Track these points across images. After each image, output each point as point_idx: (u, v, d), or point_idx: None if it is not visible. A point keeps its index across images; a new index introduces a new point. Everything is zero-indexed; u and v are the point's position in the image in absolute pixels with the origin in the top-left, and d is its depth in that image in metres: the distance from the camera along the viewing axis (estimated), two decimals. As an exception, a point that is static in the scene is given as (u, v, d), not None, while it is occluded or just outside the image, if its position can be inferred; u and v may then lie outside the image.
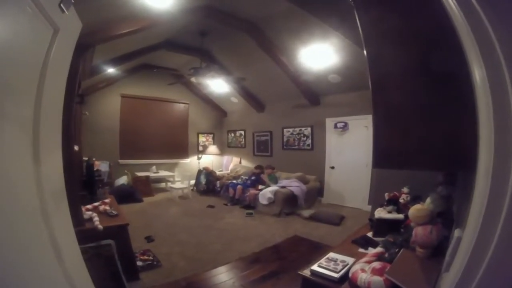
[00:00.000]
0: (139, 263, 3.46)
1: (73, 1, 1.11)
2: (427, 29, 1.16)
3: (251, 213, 6.27)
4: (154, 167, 8.73)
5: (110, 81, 7.91)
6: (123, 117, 8.45)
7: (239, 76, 6.88)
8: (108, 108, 8.20)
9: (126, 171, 7.98)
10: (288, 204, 6.27)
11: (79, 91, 2.50)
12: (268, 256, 4.11)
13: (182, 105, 9.92)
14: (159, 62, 8.09)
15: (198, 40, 6.48)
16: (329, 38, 5.11)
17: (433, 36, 1.13)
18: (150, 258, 3.70)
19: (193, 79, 6.49)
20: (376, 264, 1.66)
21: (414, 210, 1.77)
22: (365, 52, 1.38)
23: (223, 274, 3.51)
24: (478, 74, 0.86)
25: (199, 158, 9.83)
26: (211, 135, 10.75)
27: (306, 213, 6.04)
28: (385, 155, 1.32)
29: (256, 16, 5.42)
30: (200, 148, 10.30)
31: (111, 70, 6.89)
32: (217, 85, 7.38)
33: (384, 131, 1.29)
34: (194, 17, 5.29)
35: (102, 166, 6.98)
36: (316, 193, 7.18)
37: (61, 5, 1.06)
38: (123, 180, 7.56)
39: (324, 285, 1.64)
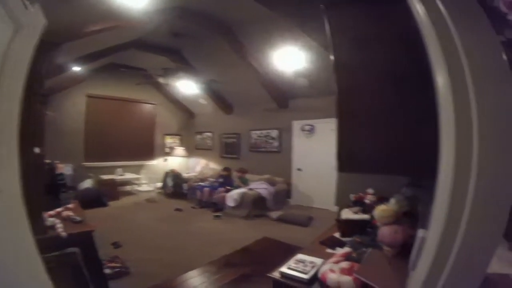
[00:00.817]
0: (107, 271, 3.28)
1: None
2: (395, 35, 1.20)
3: (219, 216, 6.23)
4: (120, 169, 8.44)
5: (77, 81, 7.57)
6: (88, 118, 8.10)
7: (210, 78, 6.84)
8: (73, 109, 7.83)
9: (90, 174, 7.65)
10: (257, 206, 6.29)
11: (42, 91, 2.36)
12: (239, 258, 4.10)
13: (149, 106, 9.70)
14: (128, 61, 7.87)
15: (170, 41, 6.40)
16: (299, 42, 5.18)
17: (400, 42, 1.18)
18: (118, 265, 3.56)
19: (161, 80, 6.36)
20: (345, 264, 1.70)
21: (379, 210, 1.83)
22: (332, 57, 1.41)
23: (194, 279, 3.46)
24: (441, 81, 0.89)
25: (165, 160, 9.64)
26: (178, 137, 10.58)
27: (275, 214, 6.09)
28: (348, 160, 1.35)
29: (230, 19, 5.42)
30: (167, 150, 10.10)
31: (78, 69, 6.60)
32: (186, 86, 7.29)
33: (348, 136, 1.33)
34: (168, 18, 5.20)
35: (65, 169, 6.63)
36: (284, 195, 7.25)
37: (24, 1, 1.01)
38: (87, 183, 7.24)
39: (294, 287, 1.65)
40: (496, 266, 3.70)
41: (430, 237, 0.99)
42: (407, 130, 1.14)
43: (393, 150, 1.20)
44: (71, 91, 7.72)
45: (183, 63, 7.32)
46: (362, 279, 1.55)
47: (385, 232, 1.79)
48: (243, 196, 6.30)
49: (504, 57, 0.87)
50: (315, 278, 1.67)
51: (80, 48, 5.53)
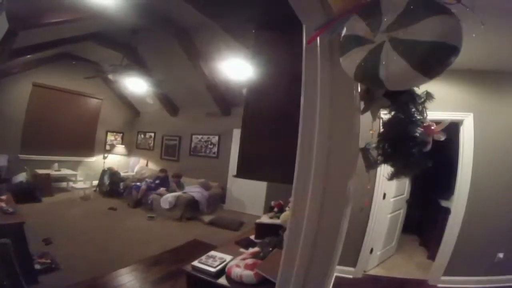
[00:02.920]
0: (37, 266, 3.25)
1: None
2: (292, 75, 1.48)
3: (153, 217, 6.25)
4: (56, 164, 7.94)
5: (25, 68, 7.07)
6: (30, 108, 7.53)
7: (159, 79, 6.83)
8: (17, 96, 7.26)
9: (25, 167, 7.15)
10: (190, 209, 6.41)
11: None
12: (167, 258, 4.22)
13: (95, 101, 9.25)
14: (83, 53, 7.59)
15: (128, 37, 6.32)
16: (243, 54, 5.40)
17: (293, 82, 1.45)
18: (48, 261, 3.49)
19: (111, 76, 6.25)
20: (249, 261, 1.96)
21: (284, 216, 2.13)
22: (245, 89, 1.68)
23: (123, 276, 3.53)
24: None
25: (105, 158, 9.31)
26: (121, 134, 10.26)
27: (207, 218, 6.26)
28: (245, 169, 1.61)
29: (189, 23, 5.51)
30: (108, 147, 9.70)
31: (28, 56, 6.23)
32: (135, 84, 7.20)
33: (246, 150, 1.59)
34: (128, 14, 5.11)
35: (0, 160, 6.21)
36: (218, 199, 7.44)
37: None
38: (21, 177, 6.79)
39: (203, 279, 1.87)
40: (416, 273, 4.29)
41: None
42: (286, 147, 1.40)
43: (276, 162, 1.48)
44: (17, 78, 7.15)
45: (136, 61, 7.24)
46: (261, 273, 1.82)
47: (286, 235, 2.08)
48: (177, 199, 6.38)
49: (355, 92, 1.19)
50: (222, 271, 1.90)
51: (36, 36, 5.31)
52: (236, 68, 5.87)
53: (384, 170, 1.51)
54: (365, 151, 1.44)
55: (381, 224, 4.16)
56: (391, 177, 1.36)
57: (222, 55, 5.91)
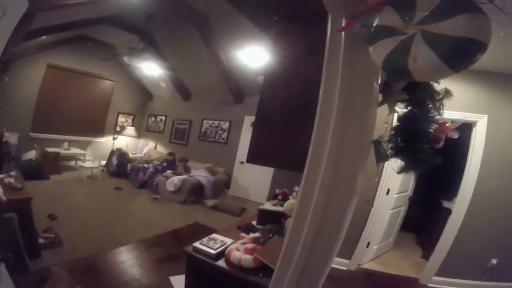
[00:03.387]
0: (40, 241, 3.31)
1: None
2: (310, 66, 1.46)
3: (157, 198, 6.31)
4: (66, 143, 8.05)
5: (40, 49, 7.10)
6: (43, 88, 7.58)
7: (174, 63, 6.79)
8: (31, 77, 7.30)
9: (35, 145, 7.26)
10: (195, 193, 6.45)
11: (3, 58, 2.31)
12: (168, 240, 4.27)
13: (109, 83, 9.26)
14: (98, 35, 7.58)
15: (144, 22, 6.28)
16: (263, 42, 5.34)
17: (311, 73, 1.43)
18: (52, 236, 3.56)
19: (125, 59, 6.26)
20: (249, 245, 1.96)
21: (287, 203, 2.11)
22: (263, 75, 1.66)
23: (123, 254, 3.59)
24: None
25: (114, 139, 9.39)
26: (132, 117, 10.30)
27: (210, 202, 6.30)
28: (256, 154, 1.60)
29: (209, 10, 5.46)
30: (118, 129, 9.77)
31: (43, 38, 6.23)
32: (150, 68, 7.20)
33: (259, 136, 1.58)
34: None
35: (11, 138, 6.28)
36: (223, 185, 7.48)
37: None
38: (31, 155, 6.87)
39: (203, 260, 1.88)
40: (409, 271, 4.28)
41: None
42: (301, 138, 1.39)
43: (290, 152, 1.47)
44: (33, 59, 7.19)
45: (152, 45, 7.21)
46: (260, 258, 1.82)
47: (290, 222, 2.07)
48: (183, 182, 6.42)
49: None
50: (222, 254, 1.91)
51: (51, 18, 5.28)
52: (253, 56, 5.78)
53: (392, 165, 1.49)
54: (377, 143, 1.41)
55: (382, 219, 4.18)
56: (400, 171, 1.34)
57: (240, 43, 5.83)
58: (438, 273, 3.73)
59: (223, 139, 8.13)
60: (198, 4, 5.37)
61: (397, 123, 1.36)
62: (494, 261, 3.54)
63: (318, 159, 1.13)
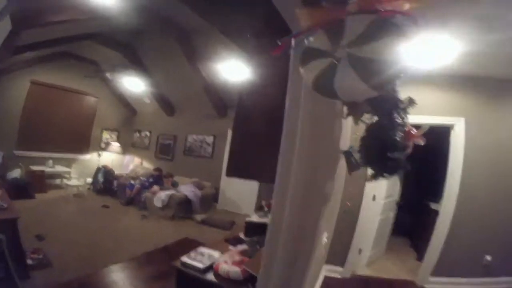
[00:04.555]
0: (29, 262, 3.27)
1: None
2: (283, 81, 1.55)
3: (146, 215, 6.28)
4: (50, 161, 7.97)
5: (23, 66, 7.06)
6: (27, 104, 7.50)
7: (157, 79, 6.85)
8: (14, 94, 7.24)
9: (20, 163, 7.14)
10: (183, 208, 6.45)
11: None
12: (159, 256, 4.26)
13: (92, 99, 9.22)
14: (82, 52, 7.60)
15: (127, 38, 6.37)
16: (243, 56, 5.43)
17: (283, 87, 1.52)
18: (41, 256, 3.53)
19: (109, 75, 6.28)
20: (237, 258, 2.02)
21: (272, 214, 2.17)
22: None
23: (114, 274, 3.57)
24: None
25: (99, 155, 9.31)
26: (116, 133, 10.26)
27: (199, 217, 6.31)
28: (234, 168, 1.68)
29: (189, 25, 5.57)
30: (103, 145, 9.68)
31: (26, 54, 6.22)
32: (133, 83, 7.22)
33: (236, 148, 1.66)
34: (129, 15, 5.17)
35: None
36: (211, 199, 7.49)
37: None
38: (16, 173, 6.78)
39: (192, 274, 1.93)
40: (404, 274, 4.36)
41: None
42: (273, 149, 1.47)
43: (263, 163, 1.55)
44: (16, 76, 7.15)
45: (135, 61, 7.30)
46: (248, 270, 1.88)
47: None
48: (170, 197, 6.42)
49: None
50: (210, 267, 1.96)
51: (35, 35, 5.30)
52: (234, 70, 5.87)
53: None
54: (348, 154, 1.50)
55: (370, 225, 4.24)
56: (372, 178, 1.43)
57: (221, 57, 5.93)
58: (434, 274, 3.78)
59: (208, 153, 8.18)
60: (179, 19, 5.48)
61: (364, 134, 1.46)
62: (489, 257, 3.62)
63: (287, 170, 1.22)
